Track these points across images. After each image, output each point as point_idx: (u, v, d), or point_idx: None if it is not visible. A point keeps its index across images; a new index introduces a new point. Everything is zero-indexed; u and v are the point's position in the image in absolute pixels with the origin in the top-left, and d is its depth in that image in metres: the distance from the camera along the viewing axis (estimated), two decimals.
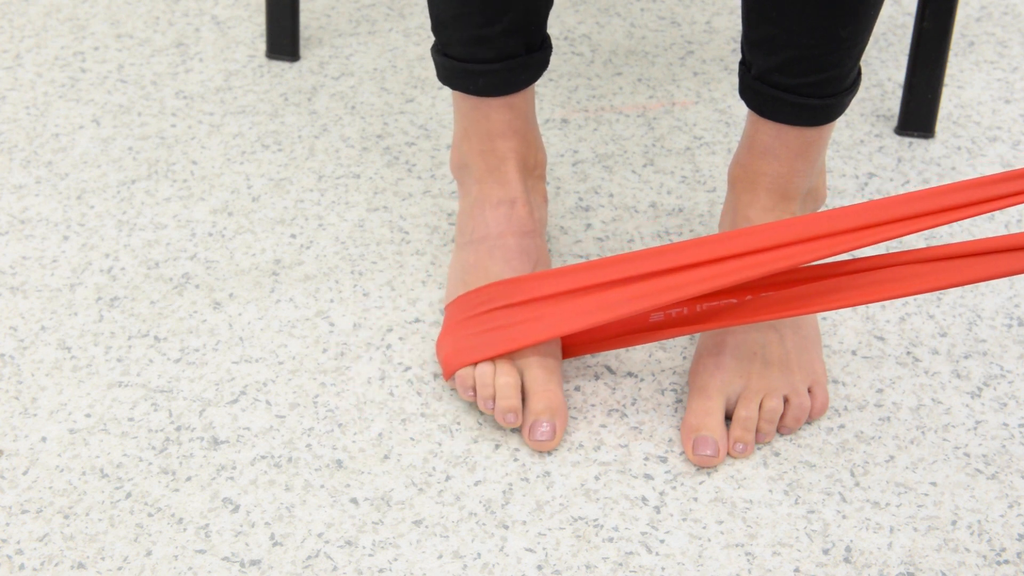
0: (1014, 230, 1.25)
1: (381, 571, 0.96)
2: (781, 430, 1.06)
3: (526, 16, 1.06)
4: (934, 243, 1.23)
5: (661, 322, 1.07)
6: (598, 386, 1.10)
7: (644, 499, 1.01)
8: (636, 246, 1.22)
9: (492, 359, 1.06)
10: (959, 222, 1.25)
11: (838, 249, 0.99)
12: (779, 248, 1.00)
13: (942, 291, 1.19)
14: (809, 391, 1.07)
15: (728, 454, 1.04)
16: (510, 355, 1.06)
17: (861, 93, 1.41)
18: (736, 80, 1.42)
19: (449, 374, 1.07)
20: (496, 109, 1.11)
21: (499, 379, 1.05)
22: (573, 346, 1.10)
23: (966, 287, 1.19)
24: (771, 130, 1.07)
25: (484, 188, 1.13)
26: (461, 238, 1.14)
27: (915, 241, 1.23)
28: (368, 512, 1.00)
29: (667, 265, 1.02)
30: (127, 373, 1.10)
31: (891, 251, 1.21)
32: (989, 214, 1.27)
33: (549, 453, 1.04)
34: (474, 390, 1.06)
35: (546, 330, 1.05)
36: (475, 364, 1.06)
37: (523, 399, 1.05)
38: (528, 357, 1.06)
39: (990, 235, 1.24)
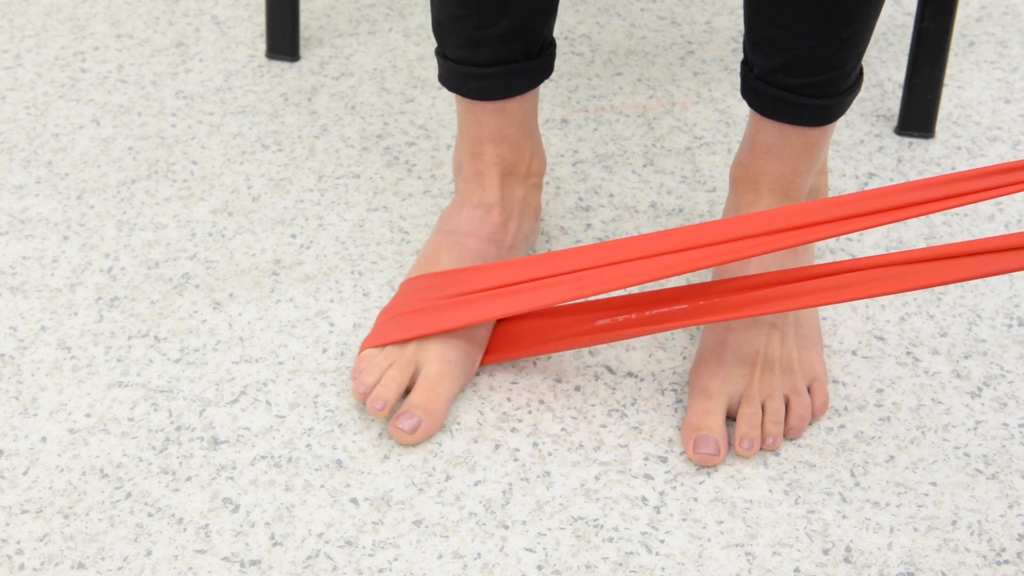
0: (1014, 230, 1.25)
1: (381, 571, 0.96)
2: (787, 433, 1.05)
3: (524, 22, 1.06)
4: (932, 244, 1.23)
5: (607, 325, 1.07)
6: (598, 386, 1.10)
7: (644, 499, 1.01)
8: None
9: (406, 341, 1.06)
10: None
11: (772, 247, 0.99)
12: (727, 243, 1.00)
13: (942, 291, 1.19)
14: (808, 390, 1.07)
15: (736, 452, 1.04)
16: (418, 348, 1.06)
17: (861, 93, 1.41)
18: (736, 80, 1.43)
19: (361, 351, 1.08)
20: (488, 113, 1.11)
21: (389, 372, 1.05)
22: (514, 347, 1.10)
23: (967, 287, 1.19)
24: (773, 130, 1.07)
25: (468, 188, 1.14)
26: (438, 225, 1.15)
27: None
28: (368, 512, 1.00)
29: (621, 257, 1.03)
30: (127, 373, 1.10)
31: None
32: (989, 215, 1.27)
33: (549, 453, 1.04)
34: (361, 372, 1.07)
35: (466, 316, 1.06)
36: (383, 347, 1.06)
37: (408, 392, 1.06)
38: (432, 353, 1.06)
39: (988, 236, 1.25)
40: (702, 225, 1.01)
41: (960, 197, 0.97)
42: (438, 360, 1.05)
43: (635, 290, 1.14)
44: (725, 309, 1.03)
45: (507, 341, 1.10)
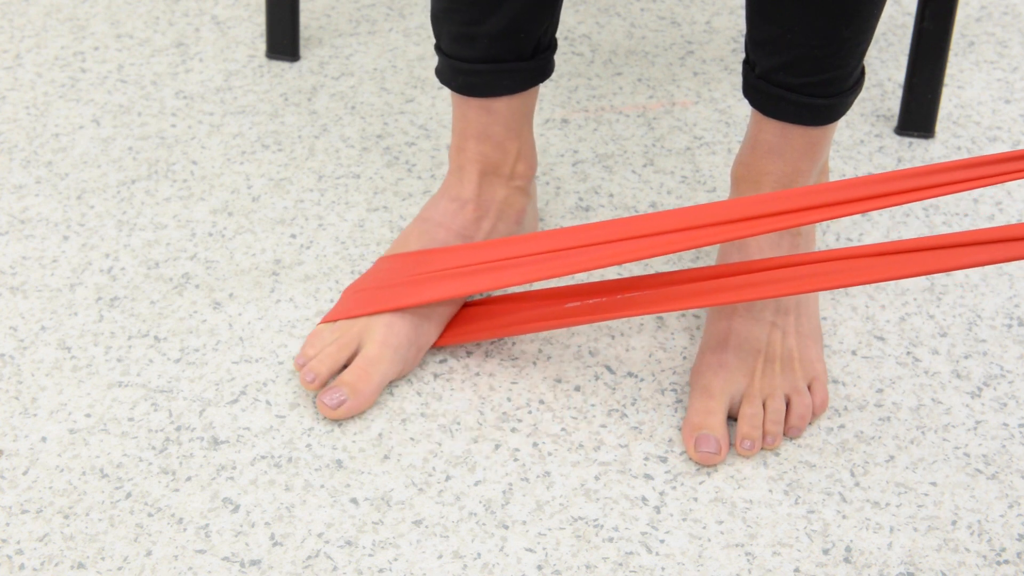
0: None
1: (381, 571, 0.96)
2: (788, 432, 1.05)
3: (516, 21, 1.06)
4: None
5: (577, 308, 1.07)
6: (598, 386, 1.10)
7: (644, 499, 1.01)
8: None
9: (357, 318, 1.08)
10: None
11: (731, 235, 1.00)
12: (689, 230, 1.01)
13: (942, 292, 1.19)
14: (808, 388, 1.07)
15: (737, 451, 1.04)
16: (364, 327, 1.07)
17: (861, 93, 1.41)
18: (736, 80, 1.43)
19: (321, 323, 1.09)
20: (473, 110, 1.11)
21: (329, 347, 1.07)
22: (479, 328, 1.10)
23: (967, 287, 1.19)
24: (775, 129, 1.07)
25: (449, 181, 1.15)
26: (420, 211, 1.16)
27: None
28: (368, 512, 1.00)
29: (587, 241, 1.04)
30: (127, 373, 1.10)
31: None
32: (990, 215, 1.27)
33: (549, 453, 1.04)
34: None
35: (419, 296, 1.07)
36: (335, 322, 1.08)
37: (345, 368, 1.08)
38: (375, 335, 1.07)
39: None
40: (679, 210, 1.02)
41: (959, 184, 0.97)
42: (379, 343, 1.06)
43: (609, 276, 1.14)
44: (696, 295, 1.04)
45: (472, 321, 1.11)
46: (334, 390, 1.05)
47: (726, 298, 1.03)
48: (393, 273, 1.10)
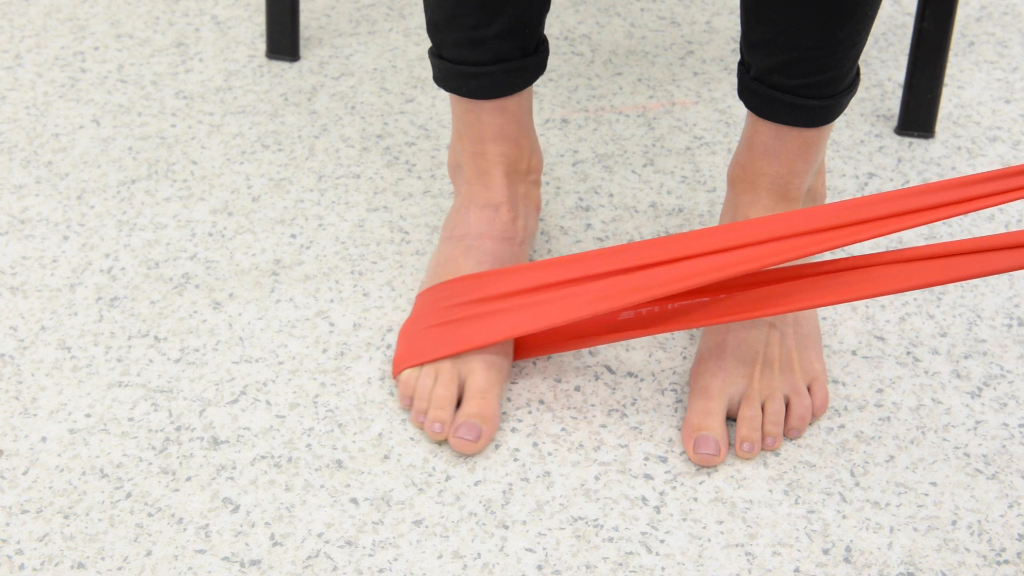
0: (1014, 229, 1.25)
1: (381, 571, 0.96)
2: (788, 433, 1.06)
3: (520, 19, 1.06)
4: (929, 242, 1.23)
5: (631, 320, 1.07)
6: (598, 386, 1.10)
7: (644, 499, 1.01)
8: None
9: (439, 359, 1.06)
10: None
11: (811, 250, 0.98)
12: (751, 246, 1.00)
13: (942, 292, 1.19)
14: (808, 389, 1.07)
15: (736, 454, 1.04)
16: (457, 359, 1.06)
17: (861, 93, 1.41)
18: (736, 80, 1.43)
19: (397, 372, 1.08)
20: (488, 112, 1.11)
21: (436, 391, 1.05)
22: (537, 345, 1.10)
23: (967, 287, 1.19)
24: (770, 130, 1.07)
25: (473, 189, 1.14)
26: (444, 232, 1.14)
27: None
28: (368, 512, 1.00)
29: (640, 262, 1.02)
30: (127, 373, 1.10)
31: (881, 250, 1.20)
32: (990, 215, 1.27)
33: (549, 453, 1.04)
34: (412, 400, 1.06)
35: (501, 331, 1.05)
36: (421, 366, 1.06)
37: (460, 402, 1.06)
38: (474, 363, 1.06)
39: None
40: (730, 226, 1.01)
41: (973, 202, 0.97)
42: (482, 369, 1.05)
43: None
44: (747, 304, 1.03)
45: (536, 338, 1.10)
46: (467, 427, 1.03)
47: (771, 310, 1.02)
48: (452, 301, 1.08)
